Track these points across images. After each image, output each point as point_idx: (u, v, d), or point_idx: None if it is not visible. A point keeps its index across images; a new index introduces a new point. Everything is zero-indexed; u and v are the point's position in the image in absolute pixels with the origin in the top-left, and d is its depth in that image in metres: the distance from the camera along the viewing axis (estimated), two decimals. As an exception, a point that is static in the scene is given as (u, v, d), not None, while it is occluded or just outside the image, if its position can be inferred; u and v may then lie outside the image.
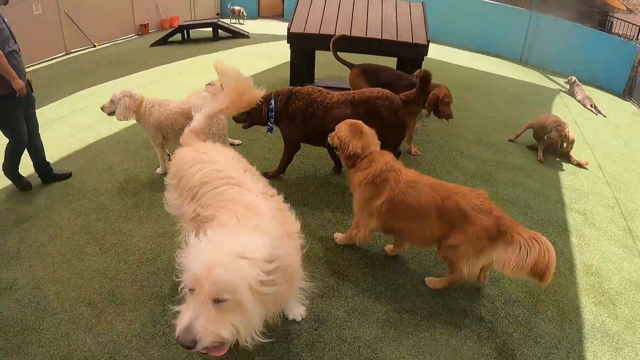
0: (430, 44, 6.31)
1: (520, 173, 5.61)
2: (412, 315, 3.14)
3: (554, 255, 2.71)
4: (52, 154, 4.92)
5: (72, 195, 4.35)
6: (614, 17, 17.26)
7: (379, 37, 6.15)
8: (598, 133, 7.93)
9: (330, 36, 6.11)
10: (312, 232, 3.95)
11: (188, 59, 10.23)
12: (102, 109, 4.40)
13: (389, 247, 3.70)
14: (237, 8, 15.92)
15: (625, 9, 17.82)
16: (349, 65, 5.85)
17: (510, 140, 6.59)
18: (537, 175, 5.65)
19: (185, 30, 12.60)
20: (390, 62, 7.39)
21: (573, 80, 10.31)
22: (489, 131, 6.86)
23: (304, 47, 6.40)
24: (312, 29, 6.19)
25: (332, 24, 6.30)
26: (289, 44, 6.36)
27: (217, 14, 16.93)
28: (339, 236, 3.77)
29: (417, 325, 3.06)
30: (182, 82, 8.05)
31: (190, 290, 1.78)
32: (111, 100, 4.33)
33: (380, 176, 3.16)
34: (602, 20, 16.21)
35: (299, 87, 4.24)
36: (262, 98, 3.59)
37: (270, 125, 4.28)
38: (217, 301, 1.72)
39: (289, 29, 6.17)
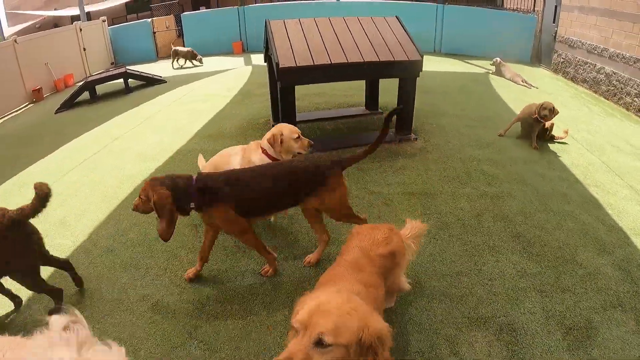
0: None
1: (532, 165, 5.69)
2: None
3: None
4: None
5: None
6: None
7: (376, 59, 5.57)
8: None
9: (327, 66, 5.42)
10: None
11: (114, 118, 8.38)
12: None
13: None
14: (183, 49, 13.61)
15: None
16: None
17: (500, 135, 6.59)
18: (543, 162, 5.84)
19: (91, 88, 10.84)
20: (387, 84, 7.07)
21: (498, 61, 10.66)
22: (476, 131, 6.75)
23: (295, 82, 5.61)
24: (304, 60, 5.43)
25: (323, 52, 5.58)
26: (278, 81, 5.53)
27: (112, 64, 15.16)
28: None
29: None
30: (130, 147, 6.65)
31: None
32: None
33: None
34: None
35: None
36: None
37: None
38: None
39: (277, 64, 5.34)
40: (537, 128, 6.20)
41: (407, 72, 5.79)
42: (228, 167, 3.91)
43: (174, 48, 13.52)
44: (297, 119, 6.78)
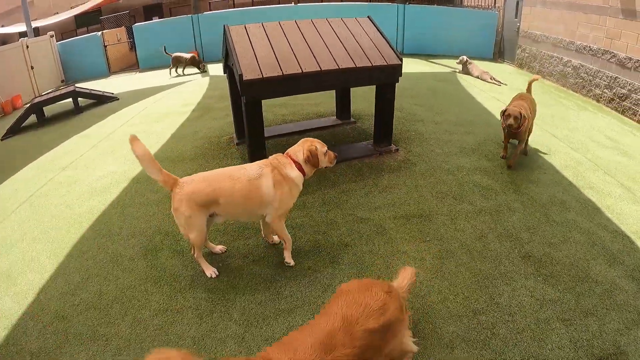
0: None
1: (523, 170, 5.32)
2: None
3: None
4: None
5: None
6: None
7: (353, 65, 4.99)
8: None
9: (299, 76, 4.80)
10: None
11: (62, 144, 7.40)
12: None
13: None
14: (186, 55, 12.58)
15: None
16: None
17: (503, 157, 5.64)
18: (533, 165, 5.50)
19: (39, 110, 9.78)
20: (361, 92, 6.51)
21: (465, 59, 10.33)
22: (458, 136, 6.31)
23: (262, 95, 4.97)
24: (271, 70, 4.79)
25: (292, 60, 4.95)
26: (242, 96, 4.88)
27: (62, 81, 14.02)
28: None
29: None
30: (80, 179, 5.74)
31: None
32: None
33: None
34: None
35: None
36: None
37: None
38: None
39: (240, 76, 4.67)
40: (510, 137, 5.39)
41: (386, 78, 5.24)
42: (259, 193, 3.40)
43: (175, 55, 12.53)
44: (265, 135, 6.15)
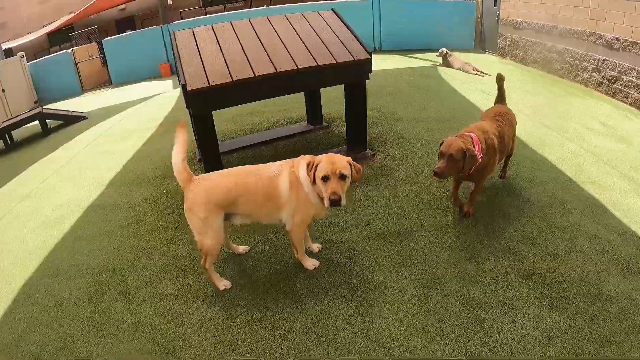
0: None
1: (517, 168, 4.67)
2: None
3: None
4: None
5: None
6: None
7: (314, 64, 4.31)
8: (510, 97, 7.16)
9: (251, 81, 4.12)
10: None
11: (26, 171, 6.67)
12: None
13: None
14: None
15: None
16: None
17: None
18: (527, 162, 4.82)
19: (6, 134, 9.08)
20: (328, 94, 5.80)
21: (445, 51, 9.72)
22: (441, 134, 5.54)
23: (211, 106, 4.29)
24: (219, 77, 4.11)
25: (244, 64, 4.27)
26: (188, 108, 4.19)
27: (36, 102, 13.20)
28: None
29: None
30: (38, 209, 5.07)
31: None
32: None
33: None
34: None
35: None
36: None
37: None
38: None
39: (184, 86, 4.00)
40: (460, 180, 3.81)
41: (354, 76, 4.57)
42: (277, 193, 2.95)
43: None
44: (227, 149, 5.47)
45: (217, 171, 3.18)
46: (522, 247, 3.37)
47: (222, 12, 13.95)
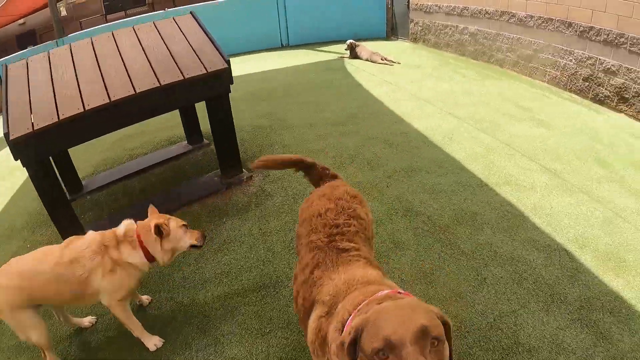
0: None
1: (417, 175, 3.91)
2: None
3: None
4: None
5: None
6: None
7: (155, 85, 3.41)
8: (421, 86, 6.61)
9: (81, 117, 3.18)
10: None
11: None
12: None
13: None
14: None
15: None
16: None
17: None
18: (433, 166, 4.15)
19: None
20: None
21: (352, 43, 8.96)
22: (338, 140, 4.90)
23: (41, 155, 3.32)
24: (45, 117, 3.15)
25: (73, 97, 3.31)
26: (17, 160, 3.22)
27: None
28: None
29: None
30: None
31: None
32: None
33: None
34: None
35: None
36: None
37: None
38: None
39: (6, 135, 3.03)
40: None
41: (210, 91, 3.70)
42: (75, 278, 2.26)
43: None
44: (96, 186, 4.51)
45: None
46: (417, 288, 2.62)
47: (123, 18, 12.62)
